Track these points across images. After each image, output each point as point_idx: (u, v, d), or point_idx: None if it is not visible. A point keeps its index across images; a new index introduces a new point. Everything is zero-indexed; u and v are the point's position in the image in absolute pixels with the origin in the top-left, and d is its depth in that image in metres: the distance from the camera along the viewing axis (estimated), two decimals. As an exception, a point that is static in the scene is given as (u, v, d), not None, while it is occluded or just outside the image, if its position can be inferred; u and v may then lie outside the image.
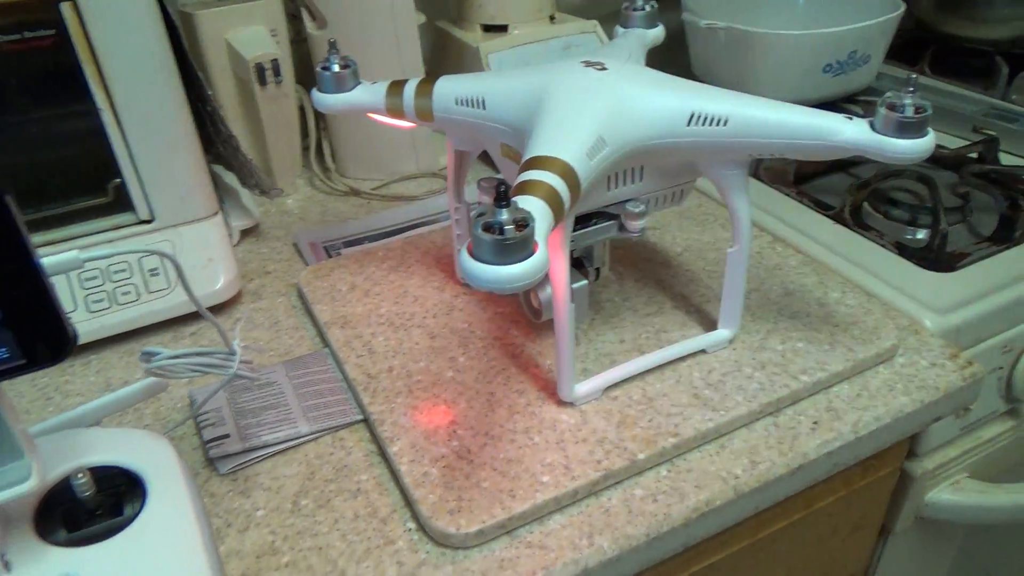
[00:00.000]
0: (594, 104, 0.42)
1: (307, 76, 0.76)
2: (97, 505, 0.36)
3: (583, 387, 0.48)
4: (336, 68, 0.50)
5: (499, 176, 0.52)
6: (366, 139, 0.76)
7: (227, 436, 0.47)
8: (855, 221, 0.67)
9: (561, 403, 0.48)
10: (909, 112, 0.40)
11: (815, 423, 0.48)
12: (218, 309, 0.60)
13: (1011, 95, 0.86)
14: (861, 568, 0.64)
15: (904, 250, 0.63)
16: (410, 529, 0.43)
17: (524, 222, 0.33)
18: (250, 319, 0.60)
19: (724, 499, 0.44)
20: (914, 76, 0.41)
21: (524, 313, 0.55)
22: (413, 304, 0.58)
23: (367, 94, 0.50)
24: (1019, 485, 0.63)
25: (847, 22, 0.78)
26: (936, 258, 0.61)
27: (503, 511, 0.41)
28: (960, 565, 0.76)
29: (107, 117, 0.53)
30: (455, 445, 0.45)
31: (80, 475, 0.35)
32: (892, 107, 0.41)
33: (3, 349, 0.27)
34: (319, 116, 0.80)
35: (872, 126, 0.42)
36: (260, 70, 0.66)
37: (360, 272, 0.61)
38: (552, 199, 0.37)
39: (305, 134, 0.79)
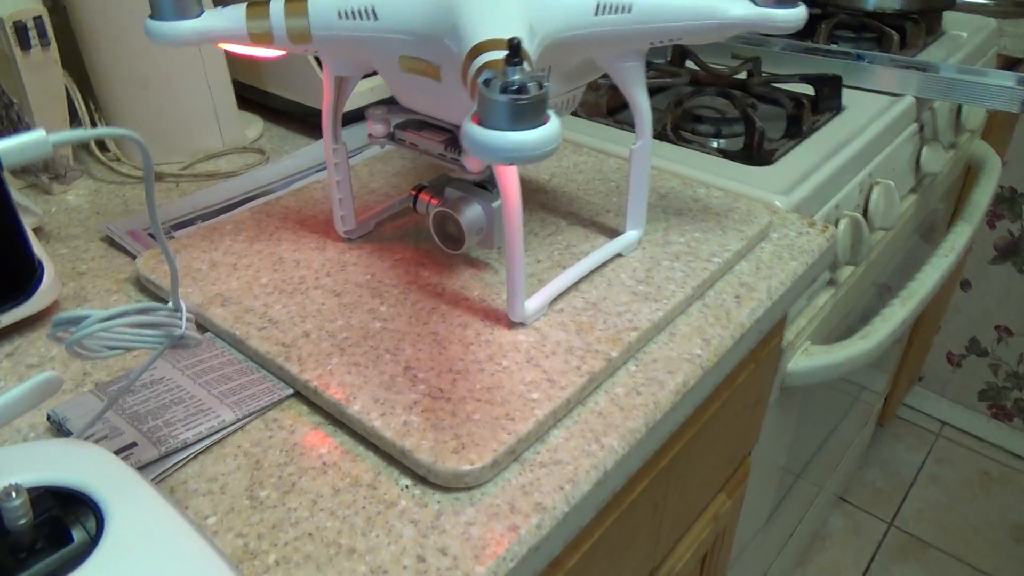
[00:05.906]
0: (514, -7, 0.40)
1: (67, 46, 0.62)
2: (33, 536, 0.26)
3: (532, 303, 0.45)
4: (178, -12, 0.41)
5: (389, 101, 0.47)
6: (156, 115, 0.65)
7: (134, 444, 0.37)
8: (677, 137, 0.72)
9: (512, 325, 0.45)
10: (790, -18, 0.44)
11: (737, 297, 0.50)
12: (35, 321, 0.47)
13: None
14: (753, 442, 0.69)
15: (726, 153, 0.69)
16: (407, 486, 0.37)
17: (540, 82, 0.30)
18: (82, 327, 0.48)
19: (696, 377, 0.44)
20: (787, -50, 0.45)
21: (437, 247, 0.51)
22: (297, 268, 0.50)
23: (220, 19, 0.43)
24: (848, 341, 0.73)
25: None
26: (758, 155, 0.68)
27: (509, 435, 0.38)
28: (799, 431, 0.86)
29: None
30: (422, 388, 0.40)
31: (13, 494, 0.25)
32: (773, -20, 0.44)
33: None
34: (87, 94, 0.66)
35: (755, 2, 0.45)
36: (22, 30, 0.53)
37: (215, 248, 0.52)
38: (524, 75, 0.34)
39: (72, 117, 0.65)
